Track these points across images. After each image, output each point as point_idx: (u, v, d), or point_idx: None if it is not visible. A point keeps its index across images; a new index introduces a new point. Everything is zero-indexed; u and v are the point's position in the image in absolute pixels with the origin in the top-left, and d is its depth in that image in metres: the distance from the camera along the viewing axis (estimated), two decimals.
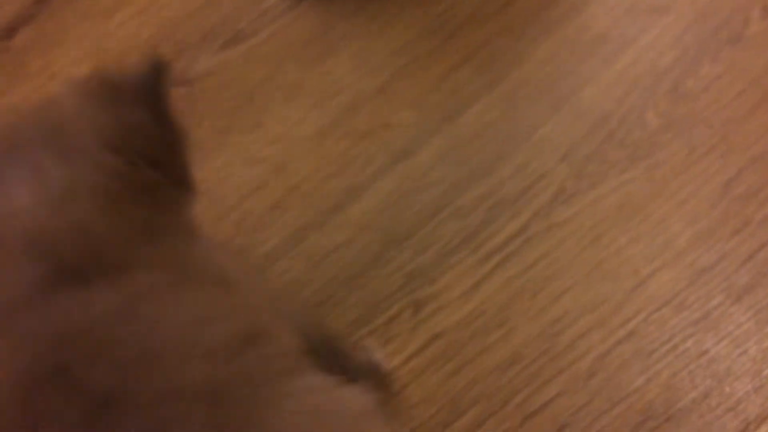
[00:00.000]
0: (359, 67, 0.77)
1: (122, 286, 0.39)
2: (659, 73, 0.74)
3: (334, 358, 0.52)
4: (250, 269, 0.56)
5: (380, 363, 0.60)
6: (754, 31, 0.75)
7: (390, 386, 0.61)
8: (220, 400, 0.37)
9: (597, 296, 0.64)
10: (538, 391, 0.60)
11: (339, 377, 0.42)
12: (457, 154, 0.72)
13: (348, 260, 0.67)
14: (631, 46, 0.77)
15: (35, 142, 0.42)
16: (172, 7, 0.80)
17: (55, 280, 0.38)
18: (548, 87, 0.75)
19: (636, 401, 0.59)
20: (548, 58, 0.77)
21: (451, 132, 0.73)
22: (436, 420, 0.59)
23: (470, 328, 0.63)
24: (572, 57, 0.77)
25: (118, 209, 0.41)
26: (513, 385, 0.60)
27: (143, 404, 0.36)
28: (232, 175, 0.72)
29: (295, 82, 0.77)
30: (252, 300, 0.46)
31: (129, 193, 0.42)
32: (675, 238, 0.66)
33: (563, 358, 0.61)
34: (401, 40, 0.79)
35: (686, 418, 0.58)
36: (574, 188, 0.69)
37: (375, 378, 0.58)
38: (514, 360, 0.61)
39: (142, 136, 0.44)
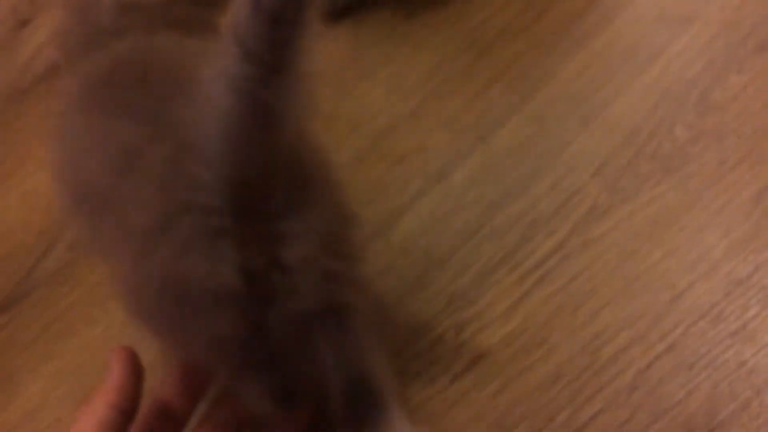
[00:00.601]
0: (392, 91, 0.80)
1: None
2: (687, 84, 0.75)
3: None
4: None
5: None
6: None
7: None
8: None
9: (635, 310, 0.65)
10: (581, 408, 0.62)
11: None
12: (491, 173, 0.74)
13: (390, 284, 0.69)
14: (659, 58, 0.78)
15: None
16: None
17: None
18: (578, 102, 0.77)
19: (678, 414, 0.61)
20: (577, 73, 0.78)
21: (484, 152, 0.75)
22: None
23: (512, 347, 0.65)
24: (601, 71, 0.78)
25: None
26: (557, 402, 0.62)
27: None
28: None
29: (331, 108, 0.79)
30: None
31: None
32: (710, 250, 0.67)
33: (604, 374, 0.63)
34: (432, 63, 0.81)
35: (727, 429, 0.59)
36: (608, 203, 0.70)
37: None
38: (556, 377, 0.63)
39: None
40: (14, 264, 0.80)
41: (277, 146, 0.42)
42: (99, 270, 0.77)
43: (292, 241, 0.44)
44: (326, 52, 0.84)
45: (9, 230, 0.83)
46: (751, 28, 0.77)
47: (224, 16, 0.57)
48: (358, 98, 0.80)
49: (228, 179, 0.41)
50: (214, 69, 0.40)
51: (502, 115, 0.77)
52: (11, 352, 0.76)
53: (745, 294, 0.65)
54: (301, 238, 0.44)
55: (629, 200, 0.71)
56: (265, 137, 0.42)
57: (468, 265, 0.69)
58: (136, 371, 0.50)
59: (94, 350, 0.74)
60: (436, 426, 0.62)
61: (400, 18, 0.84)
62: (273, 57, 0.39)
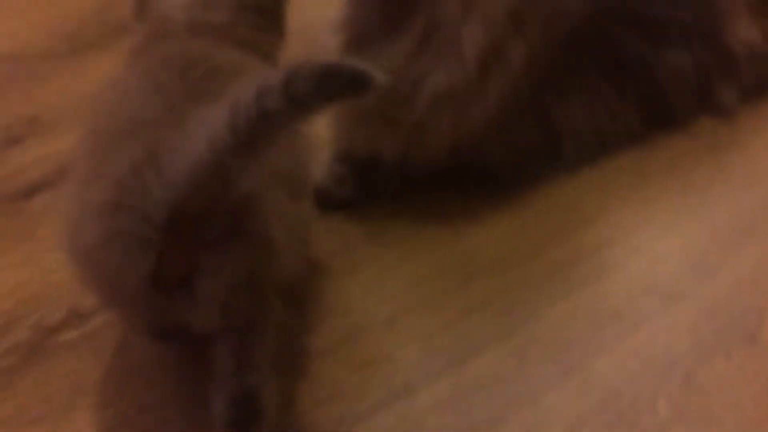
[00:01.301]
0: (373, 293, 0.76)
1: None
2: (672, 359, 0.73)
3: None
4: None
5: None
6: None
7: None
8: None
9: None
10: None
11: None
12: (459, 402, 0.68)
13: None
14: (646, 327, 0.76)
15: None
16: None
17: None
18: (560, 350, 0.73)
19: None
20: (563, 319, 0.76)
21: (456, 378, 0.70)
22: None
23: None
24: (587, 324, 0.76)
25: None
26: None
27: None
28: None
29: (306, 293, 0.75)
30: None
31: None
32: None
33: None
34: (420, 274, 0.78)
35: None
36: None
37: None
38: None
39: None
40: None
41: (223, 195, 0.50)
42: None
43: (206, 273, 0.52)
44: (317, 240, 0.82)
45: None
46: (742, 317, 0.76)
47: (283, 46, 0.72)
48: (335, 291, 0.76)
49: (172, 204, 0.49)
50: (207, 122, 0.47)
51: (480, 344, 0.73)
52: None
53: None
54: (215, 273, 0.52)
55: None
56: (217, 191, 0.50)
57: None
58: None
59: None
60: None
61: (396, 223, 0.82)
62: (251, 138, 0.46)
